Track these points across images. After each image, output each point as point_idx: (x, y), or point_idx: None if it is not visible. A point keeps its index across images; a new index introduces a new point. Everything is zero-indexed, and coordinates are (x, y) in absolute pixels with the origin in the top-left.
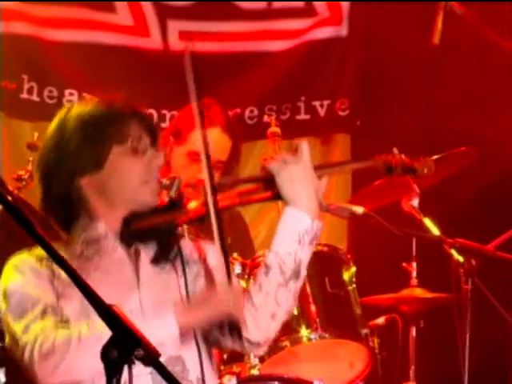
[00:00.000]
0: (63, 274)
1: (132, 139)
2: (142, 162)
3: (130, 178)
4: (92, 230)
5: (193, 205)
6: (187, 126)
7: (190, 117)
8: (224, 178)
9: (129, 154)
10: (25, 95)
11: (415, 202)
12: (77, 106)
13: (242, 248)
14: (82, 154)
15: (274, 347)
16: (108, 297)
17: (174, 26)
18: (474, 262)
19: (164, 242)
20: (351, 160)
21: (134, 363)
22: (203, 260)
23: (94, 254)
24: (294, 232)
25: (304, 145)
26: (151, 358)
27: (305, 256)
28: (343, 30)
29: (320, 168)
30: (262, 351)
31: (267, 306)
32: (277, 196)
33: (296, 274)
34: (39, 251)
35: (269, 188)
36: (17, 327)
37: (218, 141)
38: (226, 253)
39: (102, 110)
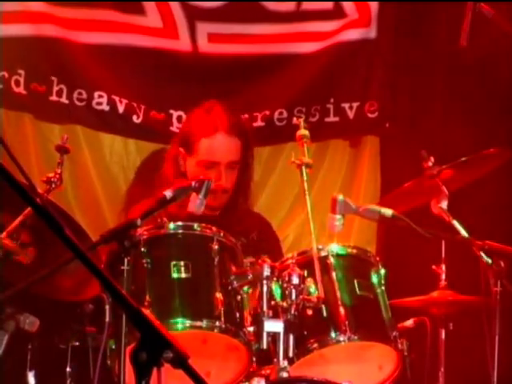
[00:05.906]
0: None
1: None
2: None
3: None
4: None
5: None
6: (194, 136)
7: (195, 126)
8: None
9: None
10: (54, 98)
11: (444, 204)
12: None
13: (269, 246)
14: None
15: (303, 350)
16: None
17: (203, 28)
18: (503, 264)
19: None
20: None
21: (162, 365)
22: None
23: None
24: None
25: None
26: (180, 359)
27: None
28: (372, 32)
29: None
30: None
31: None
32: None
33: None
34: None
35: None
36: None
37: (225, 143)
38: None
39: None
